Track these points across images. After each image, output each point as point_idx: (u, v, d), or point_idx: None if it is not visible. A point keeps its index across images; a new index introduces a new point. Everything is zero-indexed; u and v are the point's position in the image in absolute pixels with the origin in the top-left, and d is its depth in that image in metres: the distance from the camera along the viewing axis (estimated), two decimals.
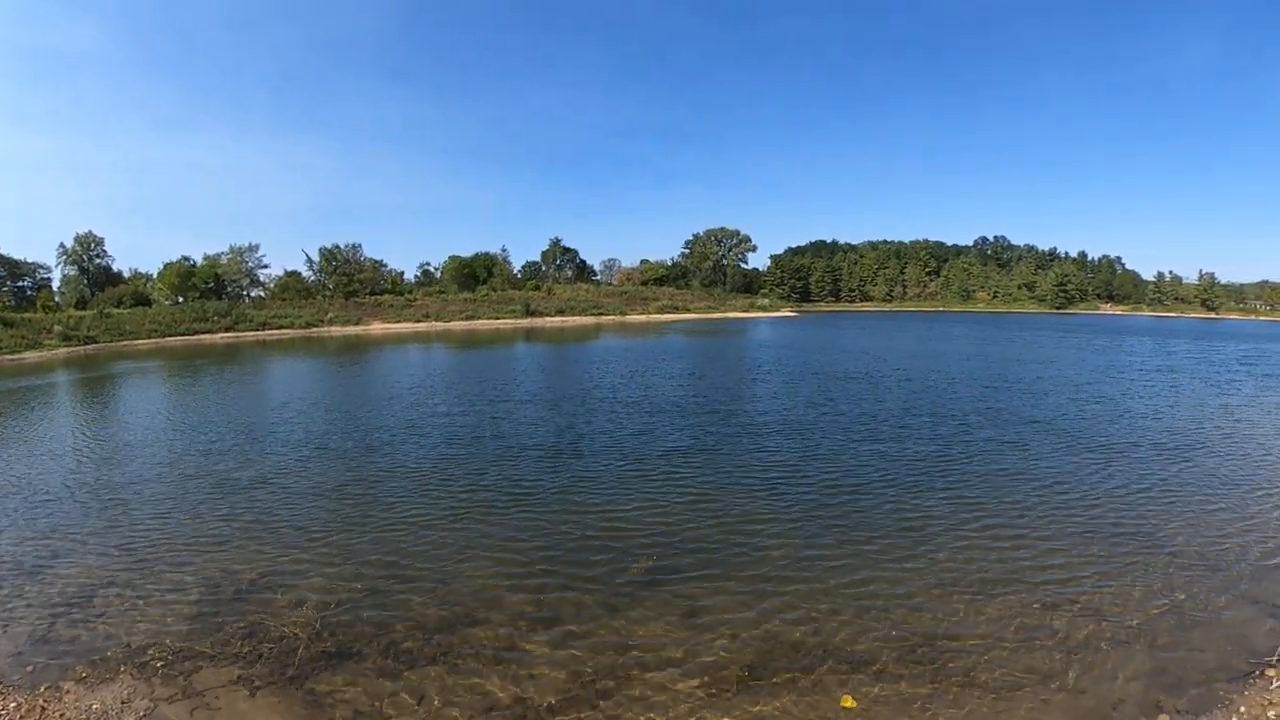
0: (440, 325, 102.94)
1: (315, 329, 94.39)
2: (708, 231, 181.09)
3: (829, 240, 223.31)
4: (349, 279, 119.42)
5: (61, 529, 14.80)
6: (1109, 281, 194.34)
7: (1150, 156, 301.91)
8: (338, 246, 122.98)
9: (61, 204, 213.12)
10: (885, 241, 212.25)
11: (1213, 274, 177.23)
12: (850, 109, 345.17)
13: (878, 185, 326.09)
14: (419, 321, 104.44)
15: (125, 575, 12.20)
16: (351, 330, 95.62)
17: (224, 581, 11.88)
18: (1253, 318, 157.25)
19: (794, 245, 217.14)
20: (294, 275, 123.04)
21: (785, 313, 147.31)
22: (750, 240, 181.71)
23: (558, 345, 67.73)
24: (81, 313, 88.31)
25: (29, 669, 9.10)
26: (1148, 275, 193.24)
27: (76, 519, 15.48)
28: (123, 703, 8.22)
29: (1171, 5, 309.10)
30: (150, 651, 9.38)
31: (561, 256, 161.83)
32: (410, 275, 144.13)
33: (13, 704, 8.22)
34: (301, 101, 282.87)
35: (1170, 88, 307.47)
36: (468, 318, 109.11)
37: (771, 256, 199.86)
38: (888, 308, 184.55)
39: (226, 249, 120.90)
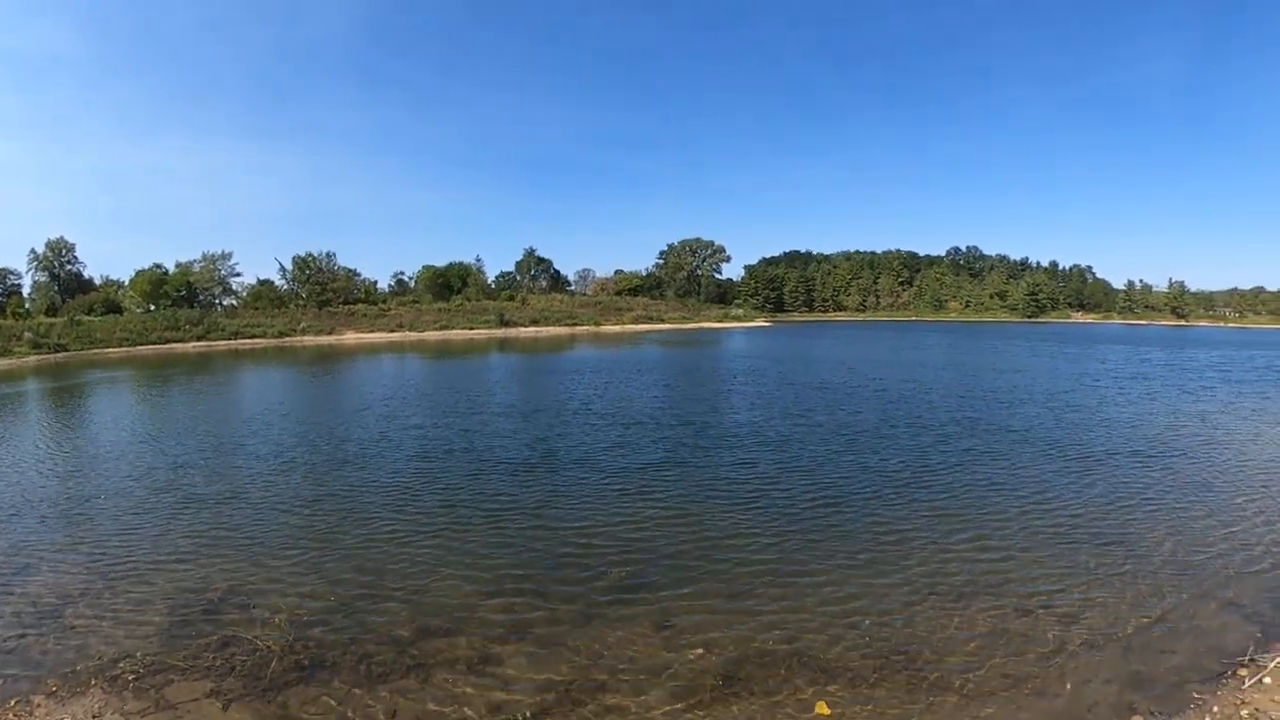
0: (414, 335, 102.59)
1: (288, 339, 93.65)
2: (682, 242, 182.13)
3: (803, 250, 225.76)
4: (322, 288, 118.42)
5: (29, 543, 14.61)
6: (1080, 290, 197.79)
7: (1120, 167, 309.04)
8: (311, 255, 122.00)
9: (32, 209, 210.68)
10: (858, 251, 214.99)
11: (1182, 282, 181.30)
12: (824, 120, 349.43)
13: (851, 196, 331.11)
14: (393, 331, 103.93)
15: (95, 589, 12.10)
16: (325, 340, 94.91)
17: (195, 595, 11.82)
18: (1222, 324, 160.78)
19: (768, 255, 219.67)
20: (267, 284, 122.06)
21: (759, 323, 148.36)
22: (724, 251, 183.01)
23: (532, 356, 67.75)
24: (52, 320, 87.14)
25: None
26: (1118, 284, 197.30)
27: (45, 533, 15.28)
28: (94, 716, 8.19)
29: (1139, 19, 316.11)
30: (121, 665, 9.32)
31: (536, 266, 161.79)
32: (384, 285, 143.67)
33: None
34: (275, 105, 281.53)
35: (1138, 99, 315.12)
36: (442, 328, 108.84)
37: (746, 267, 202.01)
38: (861, 317, 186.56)
39: (199, 256, 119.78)
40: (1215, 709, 8.33)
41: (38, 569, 13.17)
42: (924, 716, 8.37)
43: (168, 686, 8.86)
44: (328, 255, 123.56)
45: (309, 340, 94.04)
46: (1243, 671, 9.13)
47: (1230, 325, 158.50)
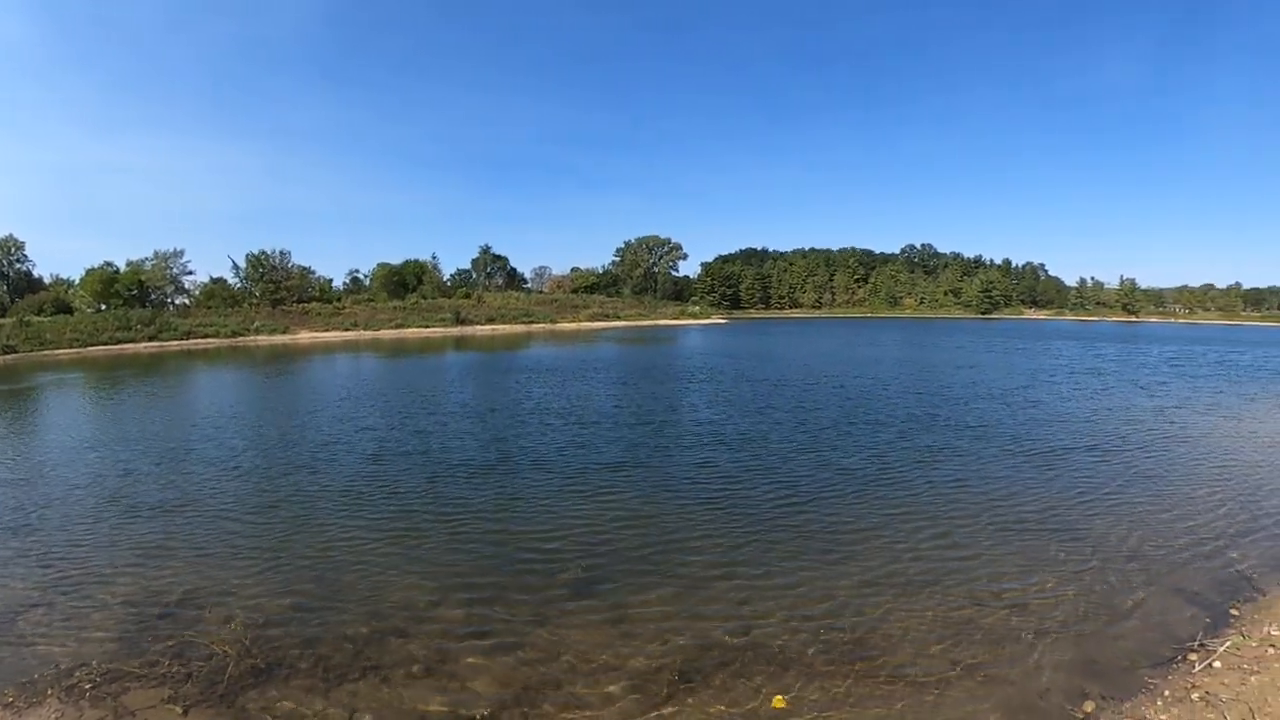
0: (369, 334, 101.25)
1: (241, 338, 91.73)
2: (639, 239, 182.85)
3: (759, 248, 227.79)
4: (276, 286, 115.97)
5: None
6: (1033, 287, 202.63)
7: (1073, 168, 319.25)
8: (265, 253, 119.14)
9: None
10: (815, 249, 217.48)
11: (1133, 279, 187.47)
12: (781, 120, 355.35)
13: (807, 194, 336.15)
14: (348, 330, 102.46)
15: (49, 597, 12.00)
16: (279, 339, 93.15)
17: (150, 601, 11.80)
18: (1172, 320, 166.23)
19: (724, 253, 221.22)
20: (220, 282, 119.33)
21: (716, 320, 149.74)
22: (681, 248, 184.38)
23: (488, 354, 67.48)
24: (0, 320, 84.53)
25: None
26: (1070, 281, 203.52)
27: None
28: None
29: (1093, 24, 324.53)
30: (78, 674, 9.34)
31: (492, 264, 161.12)
32: (339, 283, 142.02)
33: None
34: (230, 101, 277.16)
35: (1093, 103, 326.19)
36: (397, 326, 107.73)
37: (702, 264, 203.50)
38: (817, 314, 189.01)
39: (151, 255, 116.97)
40: (1166, 693, 8.59)
41: None
42: (879, 706, 8.58)
43: (125, 694, 8.91)
44: (282, 253, 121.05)
45: (263, 340, 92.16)
46: (1193, 656, 9.45)
47: (1180, 321, 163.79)
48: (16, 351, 69.38)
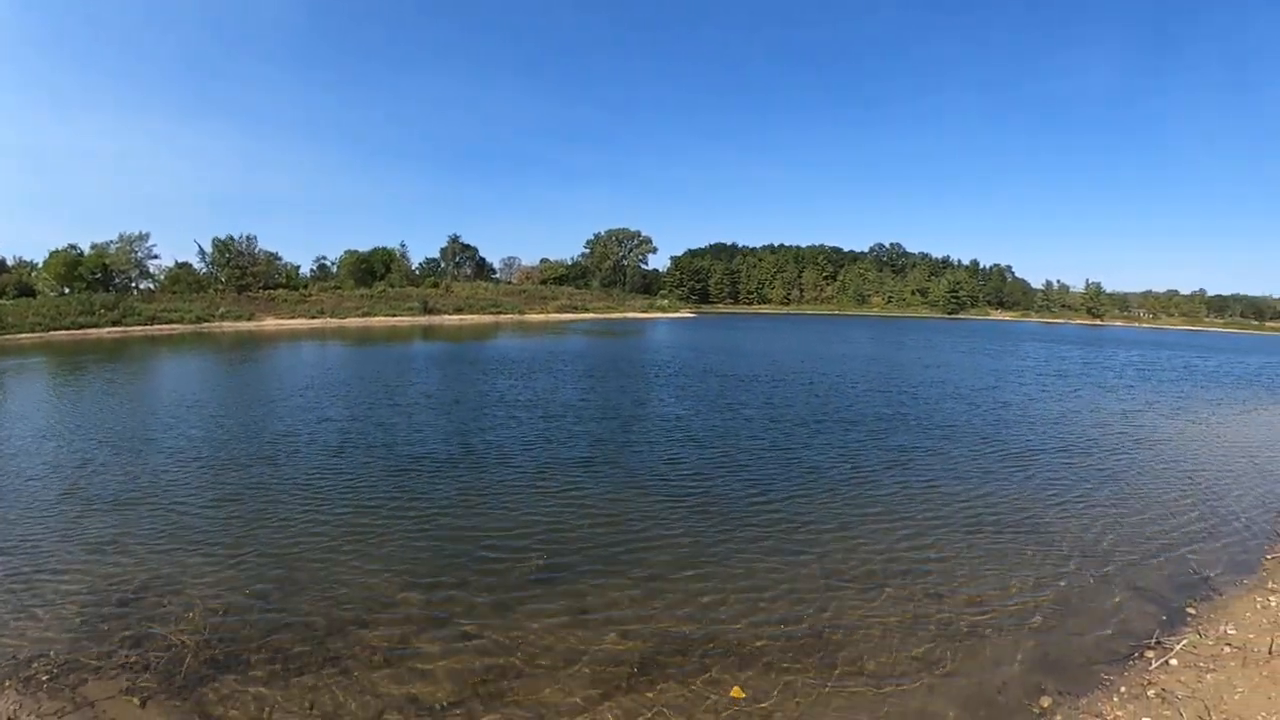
0: (335, 322, 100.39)
1: (206, 324, 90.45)
2: (609, 231, 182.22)
3: (729, 243, 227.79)
4: (242, 272, 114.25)
5: None
6: (999, 289, 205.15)
7: (1042, 171, 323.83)
8: (231, 238, 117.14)
9: None
10: (784, 245, 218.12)
11: (1099, 283, 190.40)
12: (753, 117, 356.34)
13: (777, 191, 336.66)
14: (314, 318, 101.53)
15: (4, 588, 11.91)
16: (244, 326, 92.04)
17: (108, 593, 11.75)
18: (1136, 325, 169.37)
19: (694, 247, 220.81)
20: (185, 267, 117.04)
21: (684, 314, 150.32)
22: (651, 241, 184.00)
23: (455, 344, 67.19)
24: None
25: None
26: (1037, 283, 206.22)
27: None
28: (9, 718, 8.24)
29: (1066, 30, 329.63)
30: (35, 665, 9.33)
31: (461, 254, 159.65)
32: (306, 269, 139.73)
33: None
34: (200, 85, 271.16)
35: (1064, 107, 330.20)
36: (364, 314, 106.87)
37: (672, 258, 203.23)
38: (785, 310, 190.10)
39: (116, 238, 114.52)
40: (1123, 689, 8.77)
41: None
42: (836, 698, 8.80)
43: (83, 685, 8.92)
44: (248, 238, 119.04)
45: (228, 326, 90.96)
46: (1150, 654, 9.65)
47: (1144, 325, 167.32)
48: None
